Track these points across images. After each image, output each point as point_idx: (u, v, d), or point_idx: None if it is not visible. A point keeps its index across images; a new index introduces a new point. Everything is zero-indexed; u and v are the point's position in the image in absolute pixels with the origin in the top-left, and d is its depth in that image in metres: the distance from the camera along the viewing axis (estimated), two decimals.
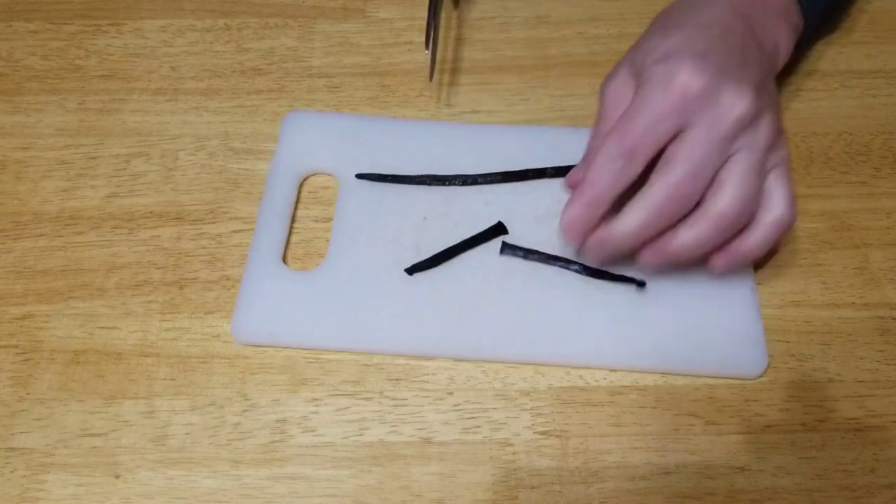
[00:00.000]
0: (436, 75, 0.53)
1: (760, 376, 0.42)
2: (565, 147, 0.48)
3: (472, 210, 0.47)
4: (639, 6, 0.57)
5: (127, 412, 0.41)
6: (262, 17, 0.57)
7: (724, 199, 0.38)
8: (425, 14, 0.56)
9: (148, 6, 0.57)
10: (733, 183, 0.38)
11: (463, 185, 0.47)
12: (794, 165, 0.50)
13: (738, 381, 0.42)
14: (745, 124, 0.38)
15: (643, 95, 0.39)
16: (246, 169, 0.49)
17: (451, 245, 0.45)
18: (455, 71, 0.54)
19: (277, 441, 0.40)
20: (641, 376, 0.43)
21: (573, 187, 0.42)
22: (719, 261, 0.41)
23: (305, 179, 0.49)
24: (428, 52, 0.50)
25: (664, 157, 0.39)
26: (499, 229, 0.46)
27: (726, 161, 0.39)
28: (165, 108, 0.52)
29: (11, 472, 0.39)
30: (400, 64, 0.54)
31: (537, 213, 0.47)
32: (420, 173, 0.48)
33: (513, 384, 0.42)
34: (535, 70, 0.54)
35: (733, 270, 0.42)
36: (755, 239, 0.40)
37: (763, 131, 0.39)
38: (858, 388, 0.42)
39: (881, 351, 0.43)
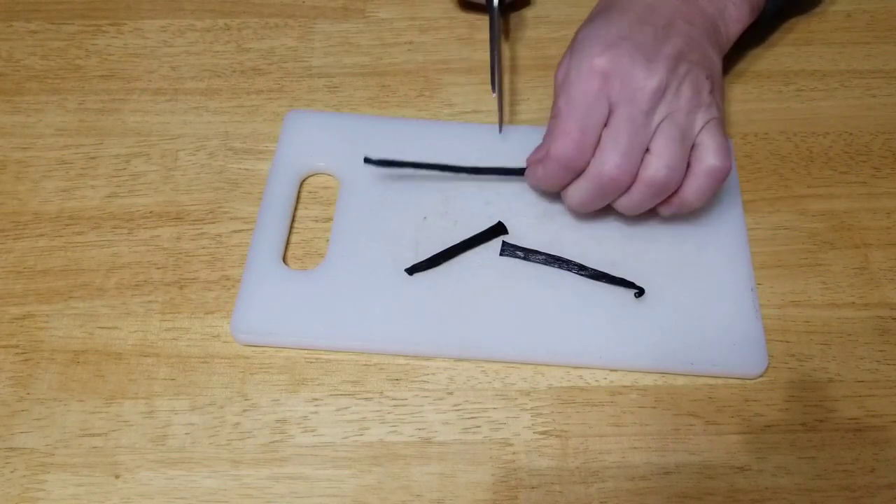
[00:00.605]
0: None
1: (760, 376, 0.42)
2: None
3: (473, 210, 0.47)
4: None
5: (127, 412, 0.41)
6: (262, 17, 0.57)
7: (651, 168, 0.42)
8: (425, 14, 0.57)
9: (148, 6, 0.57)
10: (658, 152, 0.42)
11: (472, 174, 0.47)
12: (794, 165, 0.50)
13: (738, 381, 0.42)
14: (661, 94, 0.42)
15: (567, 95, 0.42)
16: (246, 169, 0.49)
17: (450, 245, 0.45)
18: (455, 71, 0.54)
19: (277, 441, 0.40)
20: (641, 376, 0.43)
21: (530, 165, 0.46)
22: (663, 210, 0.44)
23: (306, 179, 0.49)
24: (495, 96, 0.49)
25: (601, 140, 0.42)
26: (499, 229, 0.46)
27: (654, 130, 0.42)
28: (165, 108, 0.52)
29: (11, 472, 0.39)
30: (400, 64, 0.54)
31: (538, 213, 0.47)
32: (420, 171, 0.48)
33: (513, 384, 0.42)
34: (535, 70, 0.54)
35: (679, 216, 0.45)
36: (691, 189, 0.43)
37: (683, 97, 0.42)
38: (858, 388, 0.42)
39: (881, 351, 0.43)
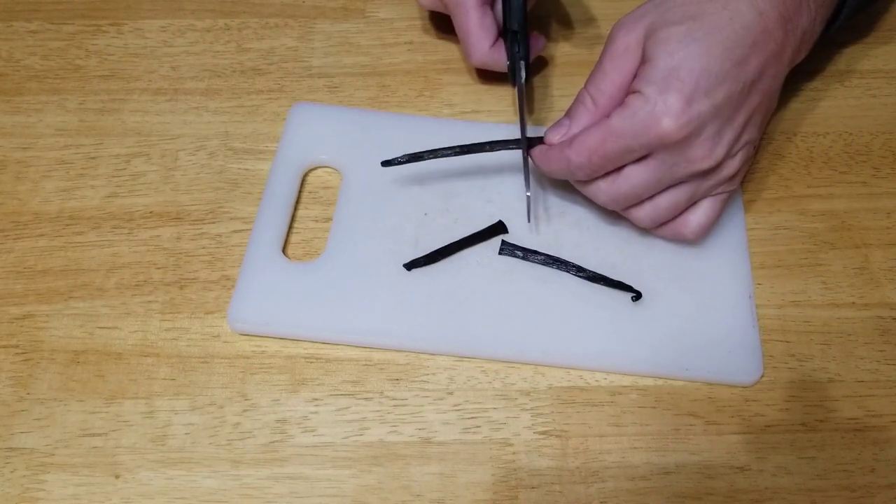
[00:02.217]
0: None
1: (755, 384, 0.42)
2: None
3: (474, 208, 0.47)
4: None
5: (127, 412, 0.41)
6: (262, 17, 0.57)
7: (643, 212, 0.43)
8: (425, 14, 0.57)
9: (148, 6, 0.57)
10: (658, 203, 0.42)
11: (491, 150, 0.45)
12: (794, 165, 0.50)
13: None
14: (704, 174, 0.41)
15: (624, 122, 0.39)
16: (246, 169, 0.49)
17: (450, 242, 0.45)
18: (455, 71, 0.54)
19: (277, 441, 0.40)
20: (641, 377, 0.43)
21: (549, 144, 0.44)
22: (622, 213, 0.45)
23: (308, 173, 0.49)
24: (528, 194, 0.45)
25: (624, 169, 0.41)
26: (498, 228, 0.46)
27: (673, 185, 0.42)
28: (165, 108, 0.52)
29: (11, 472, 0.39)
30: (400, 64, 0.54)
31: (538, 213, 0.47)
32: (422, 168, 0.48)
33: (513, 384, 0.42)
34: (535, 70, 0.54)
35: None
36: (655, 231, 0.45)
37: (723, 174, 0.42)
38: (858, 388, 0.42)
39: (881, 351, 0.43)
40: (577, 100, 0.43)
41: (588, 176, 0.42)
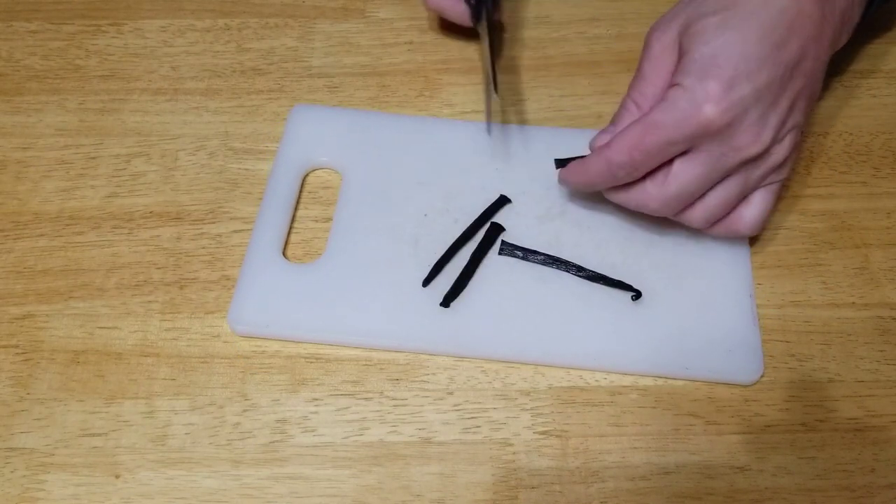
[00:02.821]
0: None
1: (755, 384, 0.42)
2: (565, 148, 0.48)
3: (474, 208, 0.47)
4: (639, 6, 0.57)
5: (127, 412, 0.41)
6: (262, 17, 0.57)
7: (697, 211, 0.41)
8: (425, 14, 0.57)
9: (148, 6, 0.57)
10: (711, 200, 0.41)
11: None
12: (794, 165, 0.50)
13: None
14: (753, 161, 0.40)
15: (665, 114, 0.39)
16: (246, 169, 0.49)
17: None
18: (455, 71, 0.54)
19: (277, 441, 0.40)
20: (641, 376, 0.43)
21: (592, 150, 0.43)
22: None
23: (308, 174, 0.49)
24: (497, 98, 0.47)
25: (668, 166, 0.40)
26: (497, 228, 0.46)
27: (723, 178, 0.41)
28: (165, 108, 0.52)
29: (11, 472, 0.39)
30: (400, 64, 0.54)
31: (538, 214, 0.47)
32: (422, 169, 0.48)
33: (513, 384, 0.42)
34: (535, 70, 0.54)
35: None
36: (711, 230, 0.43)
37: (772, 160, 0.40)
38: (858, 388, 0.42)
39: (881, 351, 0.43)
40: (622, 106, 0.43)
41: (630, 176, 0.40)
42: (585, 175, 0.42)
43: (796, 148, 0.41)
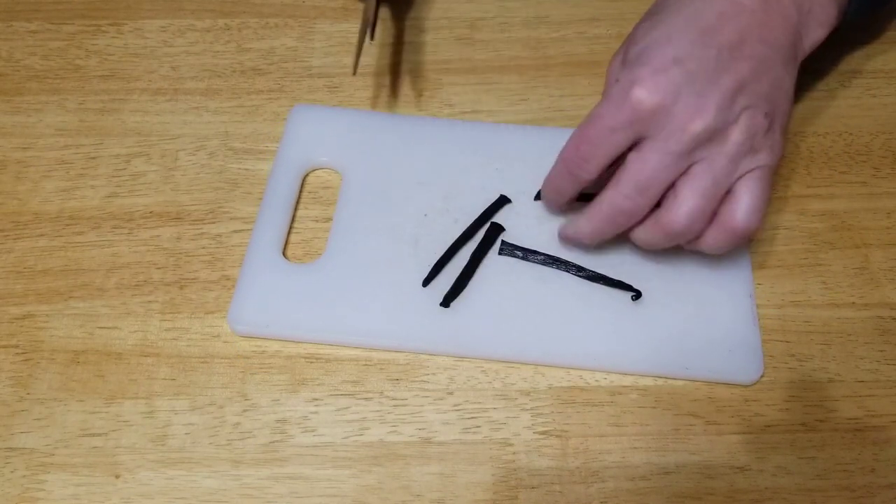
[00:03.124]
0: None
1: (755, 384, 0.42)
2: None
3: (474, 208, 0.47)
4: (639, 6, 0.57)
5: (127, 412, 0.41)
6: (262, 17, 0.57)
7: (673, 212, 0.39)
8: (425, 14, 0.57)
9: (148, 6, 0.57)
10: (685, 196, 0.39)
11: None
12: (794, 165, 0.50)
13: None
14: (705, 138, 0.39)
15: (601, 105, 0.40)
16: (246, 169, 0.49)
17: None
18: (455, 71, 0.54)
19: (277, 441, 0.40)
20: (641, 376, 0.43)
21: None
22: (685, 246, 0.42)
23: (308, 174, 0.49)
24: (372, 43, 0.48)
25: (622, 165, 0.40)
26: (497, 228, 0.46)
27: (687, 168, 0.39)
28: (165, 108, 0.52)
29: (11, 472, 0.39)
30: (400, 64, 0.54)
31: (538, 214, 0.47)
32: (422, 169, 0.48)
33: (513, 384, 0.42)
34: (535, 70, 0.54)
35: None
36: (710, 239, 0.41)
37: (731, 142, 0.39)
38: (858, 388, 0.42)
39: (881, 351, 0.43)
40: None
41: (587, 171, 0.41)
42: (552, 183, 0.44)
43: (762, 131, 0.40)
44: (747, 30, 0.40)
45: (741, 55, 0.39)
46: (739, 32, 0.40)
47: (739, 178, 0.40)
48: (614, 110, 0.39)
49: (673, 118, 0.38)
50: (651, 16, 0.42)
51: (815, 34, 0.43)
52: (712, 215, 0.40)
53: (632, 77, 0.39)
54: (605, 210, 0.41)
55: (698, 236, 0.41)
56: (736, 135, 0.39)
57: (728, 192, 0.40)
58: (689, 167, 0.39)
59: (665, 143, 0.38)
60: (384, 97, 0.53)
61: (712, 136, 0.39)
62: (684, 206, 0.39)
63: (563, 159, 0.42)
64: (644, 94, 0.38)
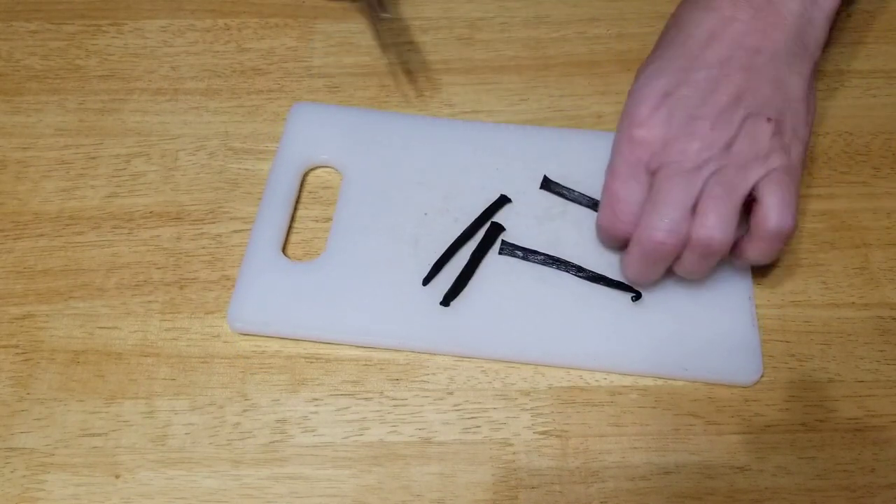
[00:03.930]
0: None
1: (755, 384, 0.42)
2: (565, 147, 0.49)
3: (474, 207, 0.47)
4: (639, 6, 0.57)
5: (127, 412, 0.41)
6: (262, 17, 0.57)
7: (701, 227, 0.40)
8: (425, 14, 0.57)
9: (148, 6, 0.57)
10: (705, 208, 0.40)
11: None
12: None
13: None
14: (707, 155, 0.40)
15: (612, 158, 0.43)
16: (246, 169, 0.49)
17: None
18: (455, 71, 0.54)
19: (277, 441, 0.40)
20: (641, 377, 0.43)
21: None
22: (734, 263, 0.44)
23: (308, 173, 0.49)
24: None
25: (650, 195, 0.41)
26: (497, 228, 0.46)
27: (702, 188, 0.40)
28: (165, 108, 0.52)
29: (11, 472, 0.39)
30: (400, 64, 0.54)
31: (538, 214, 0.47)
32: (422, 168, 0.48)
33: (513, 384, 0.42)
34: (535, 70, 0.54)
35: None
36: (754, 252, 0.41)
37: (735, 152, 0.40)
38: (858, 388, 0.42)
39: (881, 351, 0.43)
40: None
41: (615, 229, 0.42)
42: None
43: (774, 135, 0.40)
44: (737, 42, 0.42)
45: (733, 67, 0.41)
46: (729, 46, 0.42)
47: (757, 183, 0.40)
48: (623, 158, 0.42)
49: (675, 144, 0.40)
50: (653, 51, 0.45)
51: (823, 14, 0.44)
52: (737, 224, 0.40)
53: (629, 121, 0.42)
54: (639, 249, 0.41)
55: (741, 250, 0.41)
56: (739, 144, 0.40)
57: (755, 202, 0.40)
58: (703, 185, 0.40)
59: (674, 167, 0.40)
60: (384, 97, 0.53)
61: (715, 151, 0.40)
62: (708, 219, 0.39)
63: (602, 227, 0.43)
64: (643, 132, 0.41)
